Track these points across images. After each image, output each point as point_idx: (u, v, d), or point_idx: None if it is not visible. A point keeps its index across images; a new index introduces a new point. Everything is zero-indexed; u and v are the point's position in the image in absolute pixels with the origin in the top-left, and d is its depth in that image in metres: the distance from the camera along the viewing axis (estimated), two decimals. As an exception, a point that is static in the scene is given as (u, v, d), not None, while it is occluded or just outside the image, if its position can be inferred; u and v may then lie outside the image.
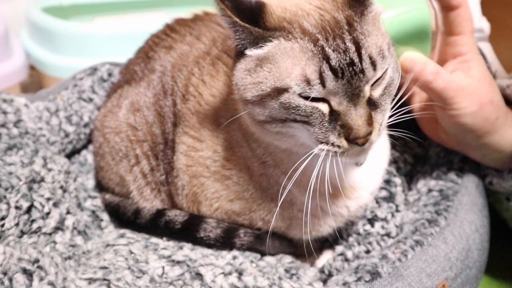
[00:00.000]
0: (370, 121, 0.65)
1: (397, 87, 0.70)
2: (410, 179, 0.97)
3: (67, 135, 1.09)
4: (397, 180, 0.94)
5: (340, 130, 0.65)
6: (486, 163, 0.89)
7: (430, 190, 0.88)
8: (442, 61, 0.84)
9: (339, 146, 0.65)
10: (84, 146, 1.16)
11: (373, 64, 0.63)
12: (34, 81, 1.86)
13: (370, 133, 0.65)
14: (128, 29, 1.67)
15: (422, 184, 0.91)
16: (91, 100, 1.15)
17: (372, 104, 0.66)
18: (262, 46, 0.66)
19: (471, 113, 0.79)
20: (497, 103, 0.81)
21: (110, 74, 1.20)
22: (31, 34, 1.77)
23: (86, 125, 1.13)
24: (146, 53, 1.03)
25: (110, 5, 2.01)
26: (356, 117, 0.64)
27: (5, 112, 1.01)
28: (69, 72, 1.26)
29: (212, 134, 0.85)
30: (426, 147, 0.99)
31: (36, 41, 1.74)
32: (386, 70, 0.66)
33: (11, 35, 1.67)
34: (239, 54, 0.69)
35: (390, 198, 0.93)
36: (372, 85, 0.65)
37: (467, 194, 0.85)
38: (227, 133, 0.83)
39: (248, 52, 0.67)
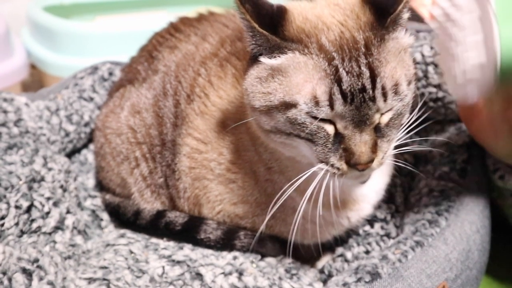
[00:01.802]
0: (374, 149, 0.64)
1: (404, 122, 0.68)
2: (411, 179, 0.96)
3: (67, 134, 1.09)
4: (397, 180, 0.94)
5: (342, 153, 0.64)
6: (505, 160, 0.87)
7: (431, 190, 0.88)
8: None
9: (338, 168, 0.65)
10: (85, 145, 1.16)
11: (385, 95, 0.62)
12: (35, 80, 1.85)
13: (372, 161, 0.64)
14: (129, 28, 1.67)
15: (423, 184, 0.91)
16: (91, 99, 1.15)
17: (379, 131, 0.65)
18: (277, 57, 0.65)
19: None
20: None
21: (110, 73, 1.20)
22: (32, 33, 1.77)
23: (86, 124, 1.13)
24: (149, 53, 1.02)
25: (111, 4, 2.01)
26: (360, 143, 0.63)
27: (5, 111, 1.01)
28: (70, 71, 1.26)
29: (218, 136, 0.84)
30: (428, 147, 0.98)
31: (37, 40, 1.74)
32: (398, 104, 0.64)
33: (12, 34, 1.67)
34: (253, 59, 0.68)
35: (390, 198, 0.92)
36: (382, 113, 0.64)
37: (469, 194, 0.85)
38: (234, 136, 0.83)
39: (262, 59, 0.67)
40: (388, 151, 0.66)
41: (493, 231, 0.87)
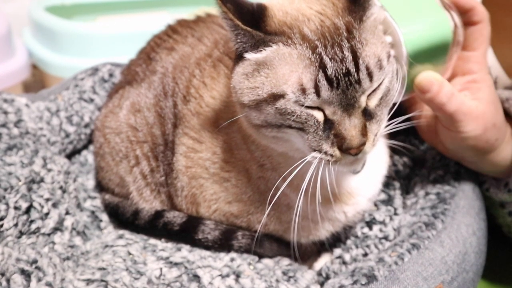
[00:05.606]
0: (364, 132, 0.65)
1: (394, 96, 0.69)
2: (408, 182, 0.97)
3: (67, 135, 1.10)
4: (396, 183, 0.94)
5: (334, 139, 0.65)
6: (482, 173, 0.90)
7: (427, 193, 0.88)
8: (451, 75, 0.82)
9: (331, 155, 0.66)
10: (85, 147, 1.17)
11: (370, 75, 0.63)
12: (37, 80, 1.86)
13: (363, 144, 0.65)
14: (131, 29, 1.68)
15: (419, 187, 0.91)
16: (92, 100, 1.15)
17: (368, 114, 0.65)
18: (261, 51, 0.66)
19: (474, 136, 0.78)
20: (499, 125, 0.80)
21: (111, 75, 1.20)
22: (33, 33, 1.78)
23: (86, 126, 1.13)
24: (147, 54, 1.03)
25: (112, 4, 2.02)
26: (350, 127, 0.64)
27: (5, 112, 1.01)
28: (71, 71, 1.27)
29: (211, 135, 0.85)
30: (424, 150, 0.98)
31: (38, 40, 1.75)
32: (383, 80, 0.65)
33: (14, 34, 1.67)
34: (239, 57, 0.69)
35: (389, 201, 0.92)
36: (369, 95, 0.65)
37: (464, 197, 0.85)
38: (227, 135, 0.84)
39: (247, 55, 0.68)
40: (378, 132, 0.67)
41: (490, 233, 0.87)
